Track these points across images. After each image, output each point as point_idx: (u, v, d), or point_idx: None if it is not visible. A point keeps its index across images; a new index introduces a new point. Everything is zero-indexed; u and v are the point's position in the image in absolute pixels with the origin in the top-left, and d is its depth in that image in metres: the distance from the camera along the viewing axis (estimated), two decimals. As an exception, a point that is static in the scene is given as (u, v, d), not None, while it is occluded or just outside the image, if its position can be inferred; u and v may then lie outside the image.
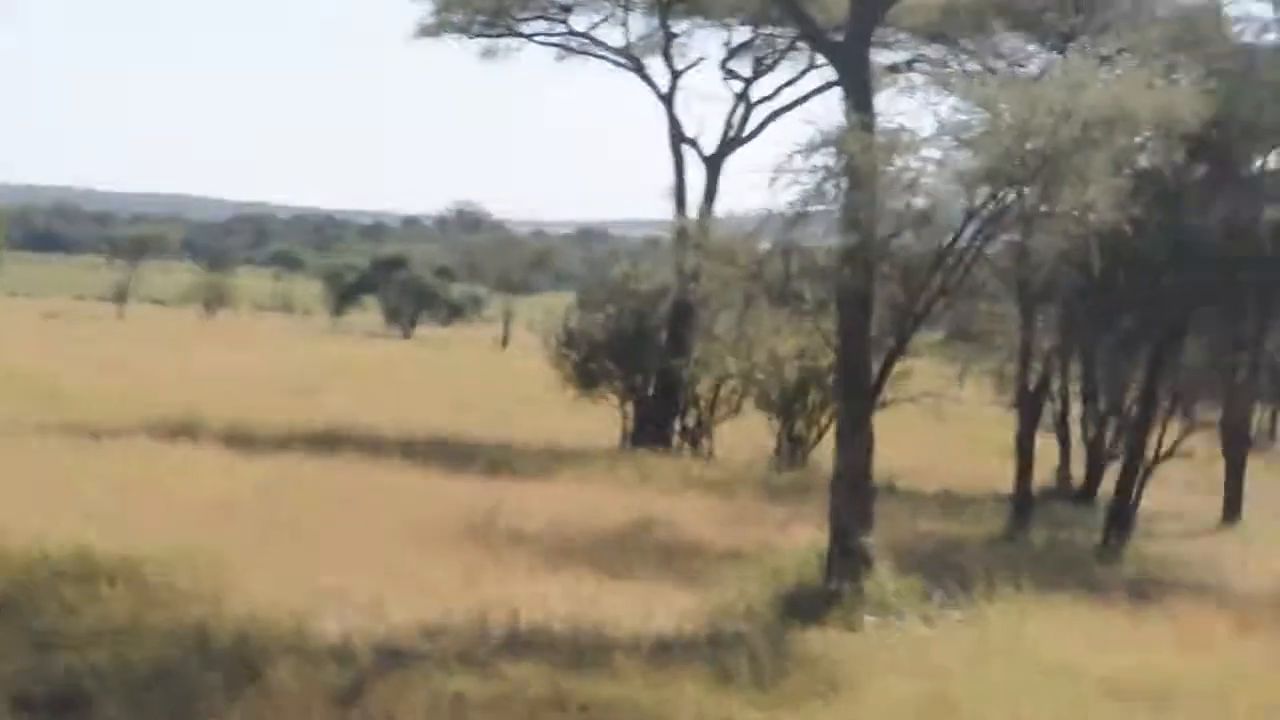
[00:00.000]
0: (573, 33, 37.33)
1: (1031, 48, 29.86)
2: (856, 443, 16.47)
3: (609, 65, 37.20)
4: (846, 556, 16.07)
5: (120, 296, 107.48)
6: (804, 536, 18.35)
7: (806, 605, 15.40)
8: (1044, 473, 28.98)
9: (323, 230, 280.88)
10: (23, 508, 17.51)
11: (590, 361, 35.07)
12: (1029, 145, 15.93)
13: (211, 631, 12.68)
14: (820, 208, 16.32)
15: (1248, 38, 26.31)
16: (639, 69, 36.46)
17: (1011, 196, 16.32)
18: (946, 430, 33.67)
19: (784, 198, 16.18)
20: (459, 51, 37.29)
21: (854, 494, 16.42)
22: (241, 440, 26.73)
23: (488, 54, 37.74)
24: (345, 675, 11.85)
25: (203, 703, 11.01)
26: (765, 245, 17.01)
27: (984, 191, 16.35)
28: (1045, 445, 28.76)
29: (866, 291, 16.20)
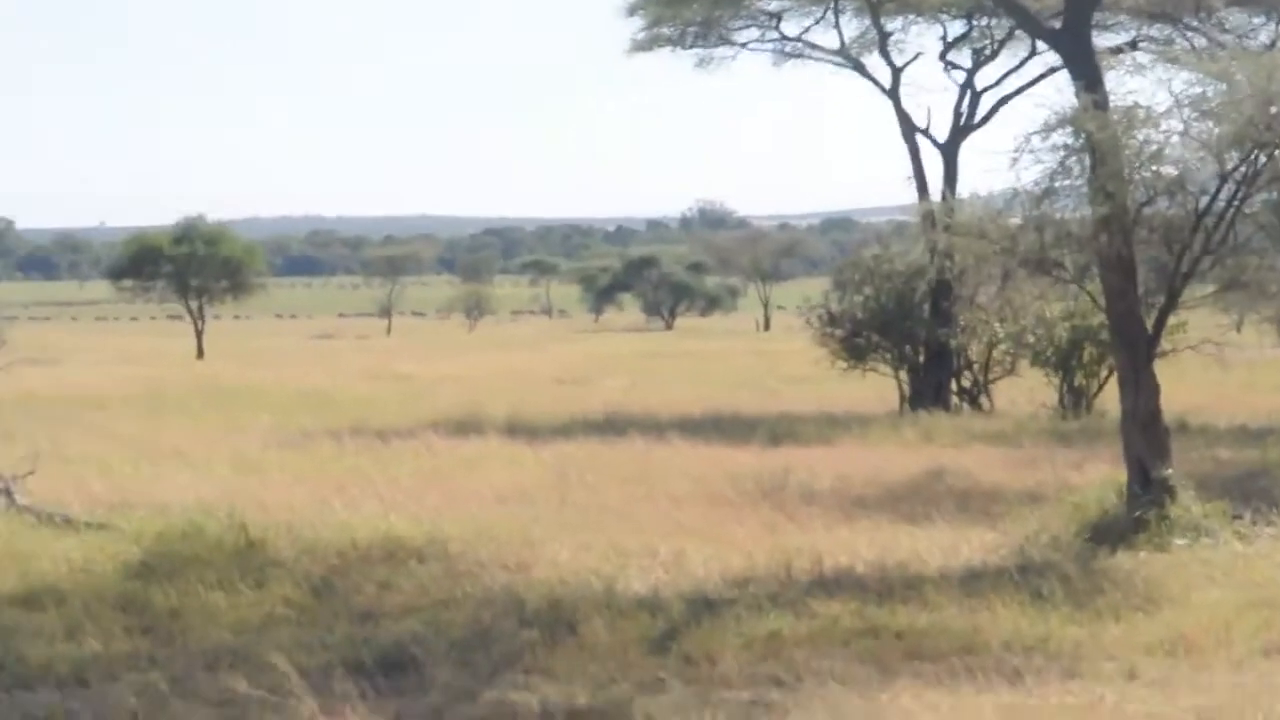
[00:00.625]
0: (785, 38, 37.40)
1: (1258, 20, 29.39)
2: (1142, 386, 16.33)
3: (832, 66, 37.22)
4: (1147, 487, 15.83)
5: (385, 312, 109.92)
6: (1099, 474, 18.08)
7: (1112, 533, 15.13)
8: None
9: (569, 238, 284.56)
10: (327, 504, 18.03)
11: (857, 336, 35.06)
12: (1273, 110, 15.77)
13: (523, 595, 12.91)
14: (1066, 183, 16.40)
15: None
16: (859, 67, 36.42)
17: (1263, 159, 16.18)
18: (1228, 375, 32.91)
19: (1028, 176, 16.36)
20: (674, 61, 37.46)
21: (1147, 431, 16.24)
22: (525, 431, 27.21)
23: (702, 64, 37.96)
24: (657, 625, 11.98)
25: (524, 658, 11.22)
26: (1015, 220, 17.05)
27: (1234, 156, 16.24)
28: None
29: (1128, 256, 16.25)
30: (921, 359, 34.65)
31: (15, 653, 11.27)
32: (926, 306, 34.44)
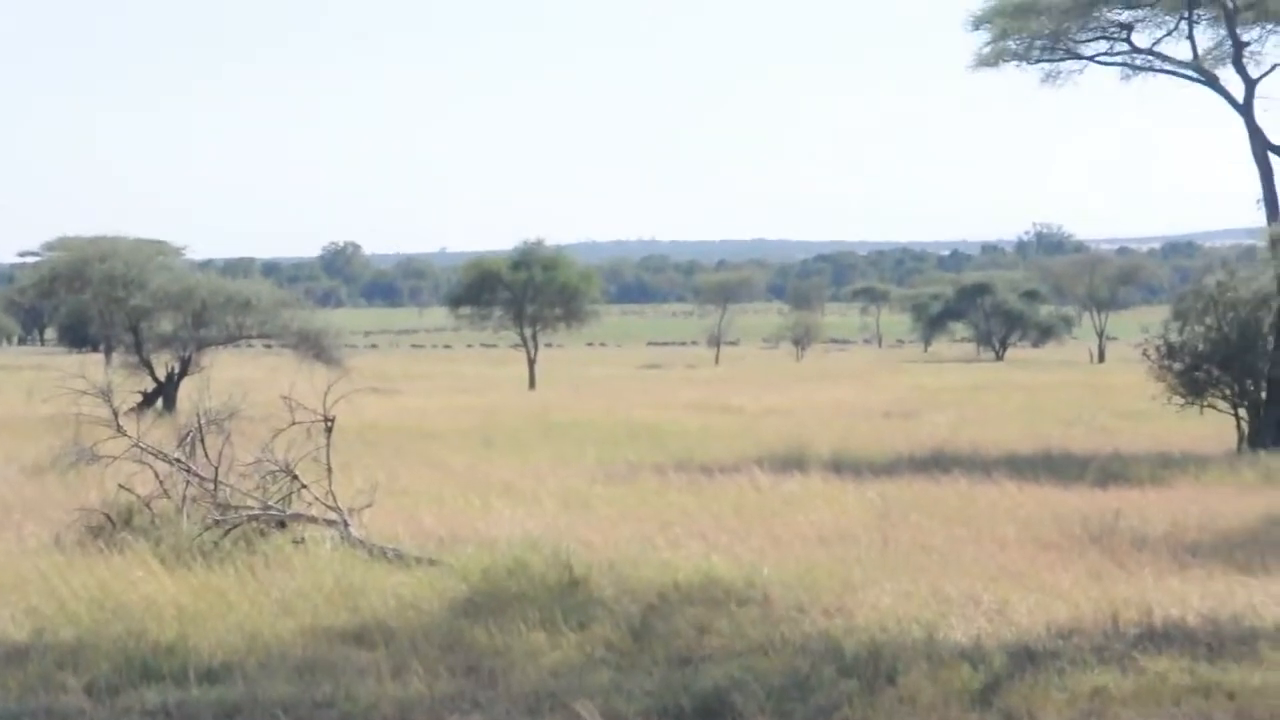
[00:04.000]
0: (1135, 50, 36.36)
1: None
2: None
3: (1177, 80, 36.11)
4: None
5: (714, 341, 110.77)
6: None
7: None
8: None
9: (902, 264, 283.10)
10: (649, 541, 18.21)
11: (1197, 370, 34.04)
12: None
13: (842, 642, 12.81)
14: None
15: None
16: (1211, 81, 35.22)
17: None
18: None
19: None
20: (1018, 76, 36.73)
21: None
22: (849, 467, 27.12)
23: (1049, 78, 37.20)
24: (978, 677, 11.76)
25: (842, 709, 11.13)
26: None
27: None
28: None
29: None
30: (1263, 395, 33.54)
31: (345, 690, 11.58)
32: (1271, 338, 33.35)
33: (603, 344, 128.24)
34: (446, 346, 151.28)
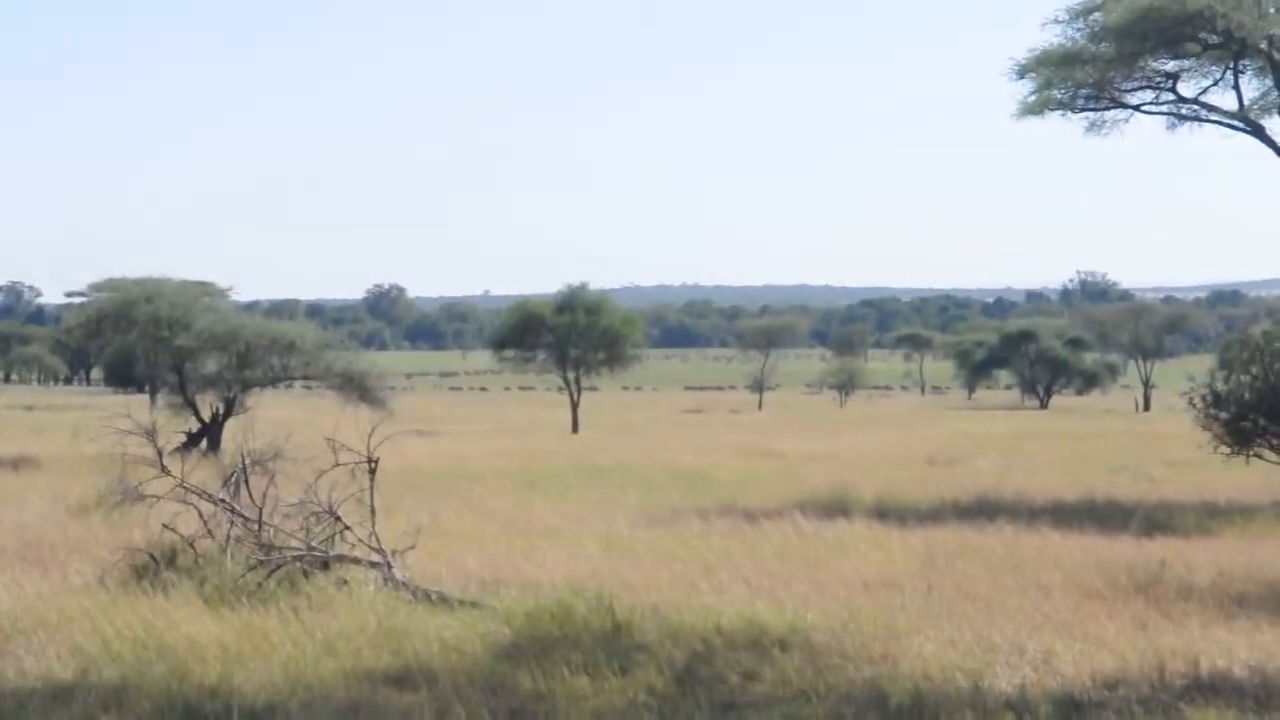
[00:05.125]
0: (1181, 99, 36.22)
1: None
2: None
3: (1223, 129, 35.91)
4: None
5: (756, 386, 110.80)
6: None
7: None
8: None
9: (945, 310, 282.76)
10: (693, 585, 18.18)
11: (1242, 420, 33.82)
12: None
13: (887, 691, 12.75)
14: None
15: None
16: (1257, 130, 35.04)
17: None
18: None
19: None
20: (1062, 125, 36.60)
21: None
22: (893, 513, 27.07)
23: (1093, 127, 36.93)
24: (1025, 728, 11.69)
25: (887, 757, 11.08)
26: None
27: None
28: None
29: None
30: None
31: (388, 733, 11.58)
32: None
33: (638, 388, 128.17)
34: (482, 389, 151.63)
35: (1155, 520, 26.35)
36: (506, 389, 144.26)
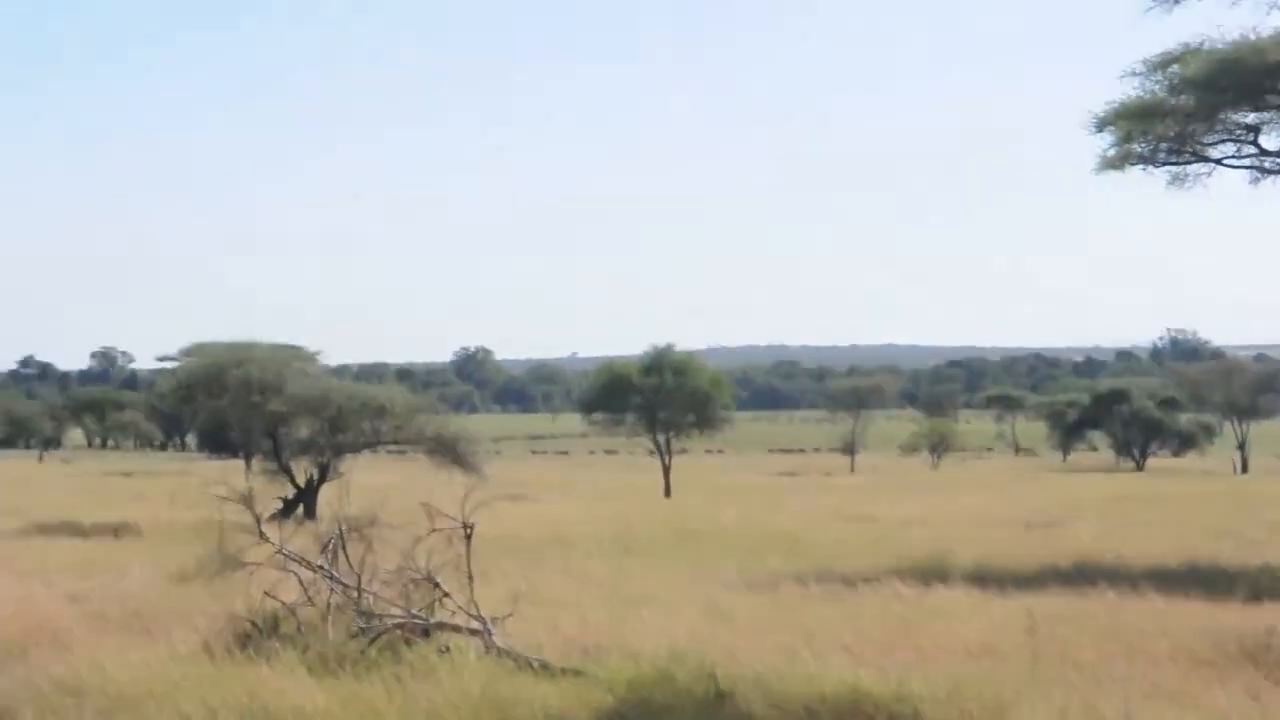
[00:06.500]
0: (1264, 152, 35.86)
1: None
2: None
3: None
4: None
5: (847, 448, 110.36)
6: None
7: None
8: None
9: (1035, 370, 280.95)
10: (794, 653, 18.01)
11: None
12: None
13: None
14: None
15: None
16: (1340, 185, 34.63)
17: None
18: None
19: None
20: (1144, 180, 35.98)
21: None
22: (992, 578, 26.78)
23: (1175, 181, 36.58)
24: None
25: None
26: None
27: None
28: None
29: None
30: None
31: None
32: None
33: (720, 451, 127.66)
34: (563, 452, 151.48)
35: (1261, 585, 25.91)
36: (591, 452, 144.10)
